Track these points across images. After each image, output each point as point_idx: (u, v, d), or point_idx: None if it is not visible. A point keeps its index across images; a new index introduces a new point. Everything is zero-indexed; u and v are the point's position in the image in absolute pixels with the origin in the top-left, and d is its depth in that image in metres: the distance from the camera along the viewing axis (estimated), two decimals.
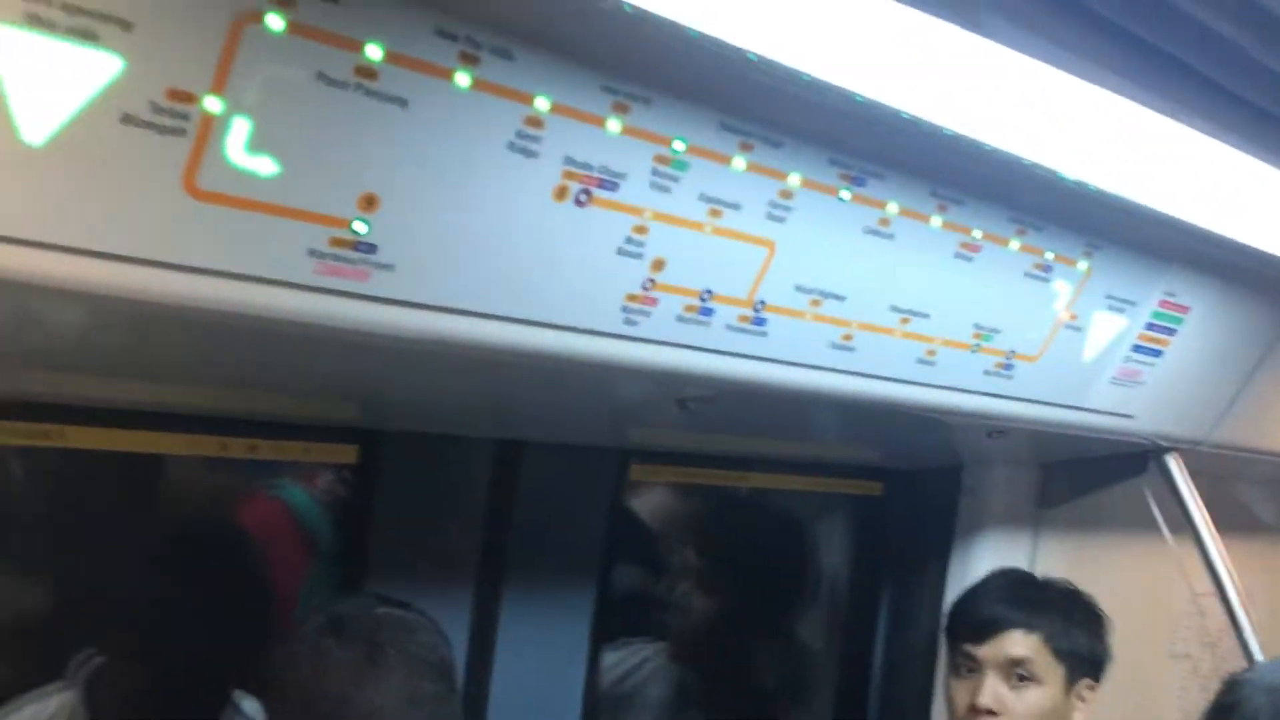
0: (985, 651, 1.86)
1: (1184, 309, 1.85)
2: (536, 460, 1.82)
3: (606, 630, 1.97)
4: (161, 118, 0.93)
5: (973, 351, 1.62)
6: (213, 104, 0.95)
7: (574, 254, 1.20)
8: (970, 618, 1.92)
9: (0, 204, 0.89)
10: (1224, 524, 2.24)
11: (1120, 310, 1.75)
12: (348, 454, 1.66)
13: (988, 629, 1.88)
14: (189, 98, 0.94)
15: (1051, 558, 2.28)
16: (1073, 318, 1.70)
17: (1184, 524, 2.18)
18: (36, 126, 0.89)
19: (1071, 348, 1.73)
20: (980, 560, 2.21)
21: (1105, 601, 1.97)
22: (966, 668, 1.89)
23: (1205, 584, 2.26)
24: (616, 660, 2.15)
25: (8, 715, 1.60)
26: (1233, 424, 2.16)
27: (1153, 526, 2.29)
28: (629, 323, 1.28)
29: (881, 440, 2.16)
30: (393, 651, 1.34)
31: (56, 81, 0.88)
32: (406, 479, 1.70)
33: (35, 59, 0.87)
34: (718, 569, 2.23)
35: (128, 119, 0.92)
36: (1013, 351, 1.67)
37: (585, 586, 1.91)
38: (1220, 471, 2.53)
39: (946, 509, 2.29)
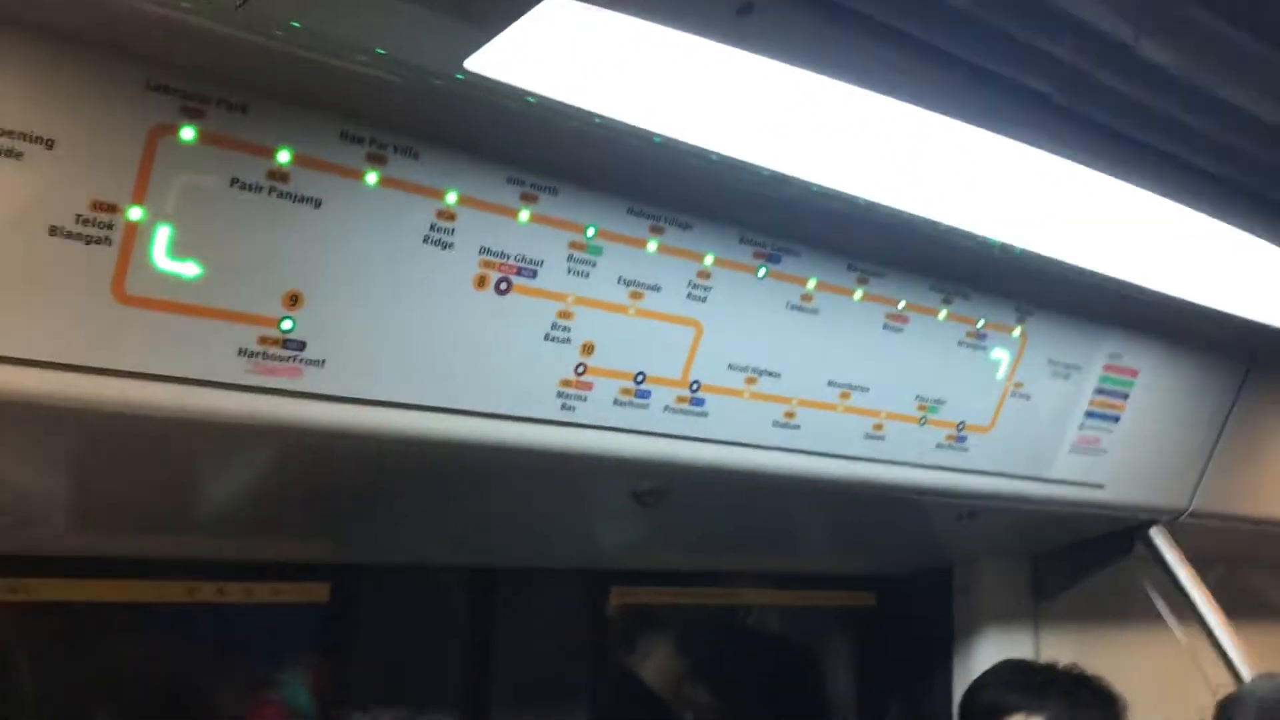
0: None
1: (1132, 372, 1.88)
2: (513, 586, 1.83)
3: None
4: (87, 228, 1.00)
5: (920, 425, 1.65)
6: (135, 213, 1.02)
7: (502, 342, 1.25)
8: (975, 709, 1.89)
9: None
10: (1239, 612, 2.21)
11: (1065, 376, 1.79)
12: (319, 592, 1.66)
13: (991, 718, 1.84)
14: (112, 208, 1.01)
15: (1056, 650, 2.23)
16: (1018, 386, 1.73)
17: (1186, 608, 2.16)
18: None
19: (1023, 416, 1.76)
20: (983, 658, 2.17)
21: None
22: None
23: (1223, 674, 2.22)
24: None
25: None
26: (1211, 491, 2.16)
27: (1161, 614, 2.27)
28: (566, 408, 1.32)
29: (865, 545, 2.15)
30: None
31: None
32: (381, 613, 1.71)
33: None
34: (714, 695, 2.18)
35: (55, 230, 0.99)
36: (963, 422, 1.70)
37: (576, 712, 1.89)
38: (1226, 553, 2.51)
39: (942, 612, 2.28)
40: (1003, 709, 1.84)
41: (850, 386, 1.55)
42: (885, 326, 1.55)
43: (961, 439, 1.70)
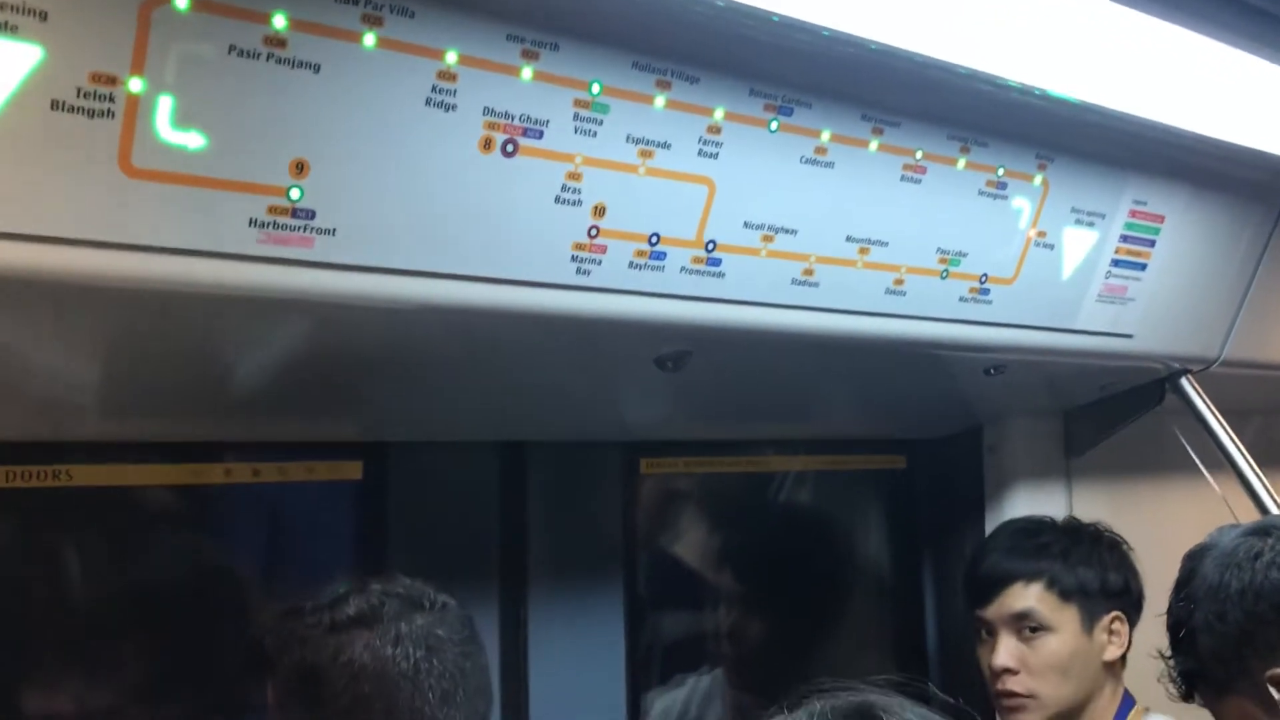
0: (992, 612, 1.86)
1: (1158, 218, 1.85)
2: (543, 460, 1.85)
3: (638, 629, 1.98)
4: (89, 101, 1.00)
5: (942, 278, 1.64)
6: (135, 84, 1.02)
7: (512, 206, 1.25)
8: (974, 580, 1.91)
9: None
10: (1273, 461, 2.20)
11: (1089, 224, 1.76)
12: (352, 470, 1.70)
13: (989, 589, 1.87)
14: (112, 80, 1.01)
15: (1089, 507, 2.24)
16: (1041, 235, 1.71)
17: (1219, 455, 2.15)
18: None
19: (1047, 267, 1.74)
20: (1014, 516, 2.19)
21: (1155, 546, 1.93)
22: (985, 631, 1.88)
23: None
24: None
25: None
26: (1243, 339, 2.14)
27: (1194, 466, 2.26)
28: (580, 272, 1.32)
29: (894, 407, 2.16)
30: (451, 653, 1.33)
31: None
32: (413, 491, 1.74)
33: None
34: (748, 563, 2.22)
35: (57, 105, 0.99)
36: (986, 275, 1.68)
37: (611, 585, 1.92)
38: (1259, 403, 2.50)
39: (974, 472, 2.28)
40: (1003, 578, 1.86)
41: (869, 241, 1.54)
42: (903, 178, 1.53)
43: (984, 292, 1.69)
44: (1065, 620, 1.82)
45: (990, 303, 1.70)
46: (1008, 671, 1.81)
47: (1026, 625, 1.82)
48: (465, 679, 1.34)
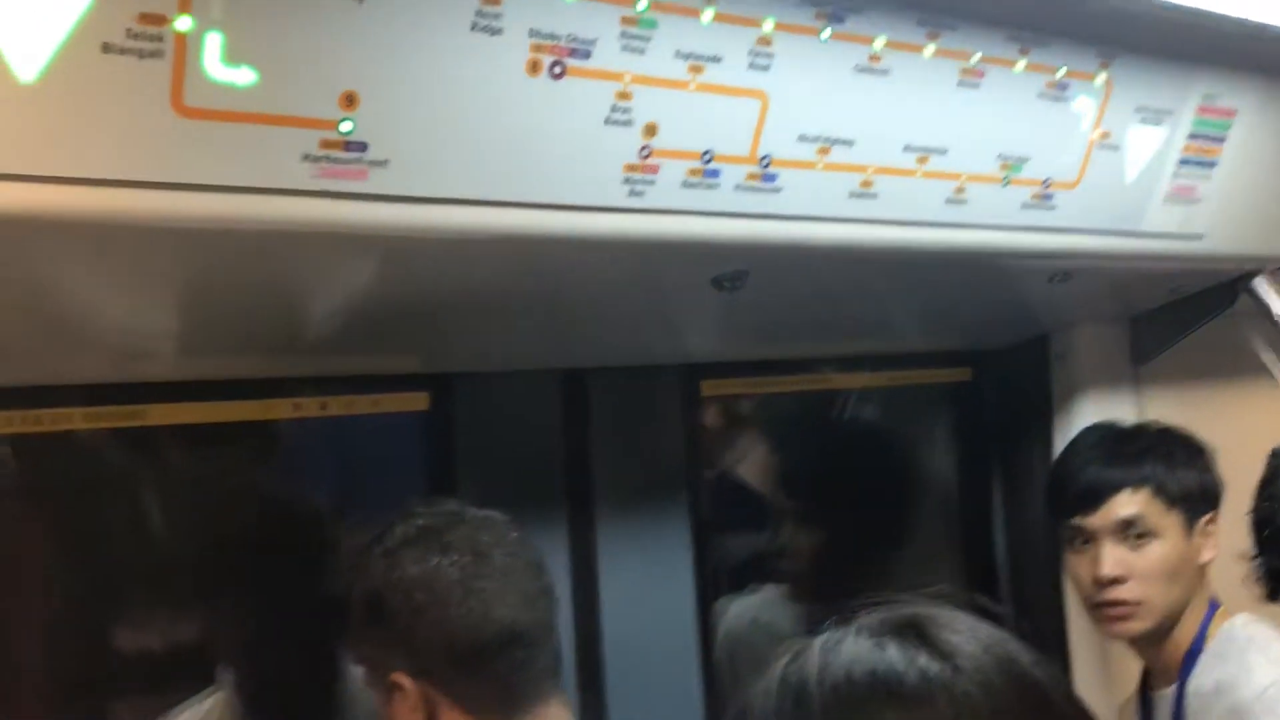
0: (1095, 520, 1.81)
1: (1229, 113, 1.79)
2: (604, 386, 1.86)
3: (707, 550, 1.99)
4: (139, 42, 1.01)
5: (1004, 185, 1.60)
6: (183, 22, 1.02)
7: (562, 129, 1.24)
8: (1071, 489, 1.85)
9: (1, 141, 0.97)
10: None
11: (1156, 122, 1.71)
12: (419, 401, 1.72)
13: (1092, 497, 1.82)
14: (160, 19, 1.01)
15: (1159, 413, 2.20)
16: (1105, 136, 1.67)
17: None
18: (26, 64, 0.97)
19: (1112, 169, 1.70)
20: (1083, 426, 2.16)
21: (1228, 451, 1.90)
22: (1081, 540, 1.83)
23: None
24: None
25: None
26: None
27: (1267, 369, 2.21)
28: (634, 194, 1.31)
29: (957, 319, 2.13)
30: (499, 556, 1.36)
31: (36, 19, 0.96)
32: (479, 420, 1.76)
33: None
34: (814, 481, 2.22)
35: (108, 47, 1.00)
36: (1048, 180, 1.64)
37: (676, 506, 1.93)
38: None
39: (1041, 381, 2.25)
40: (1107, 485, 1.81)
41: (927, 150, 1.51)
42: (960, 84, 1.49)
43: (1048, 197, 1.65)
44: (1170, 525, 1.79)
45: (1054, 208, 1.67)
46: (1116, 581, 1.78)
47: (1133, 532, 1.79)
48: (516, 578, 1.36)
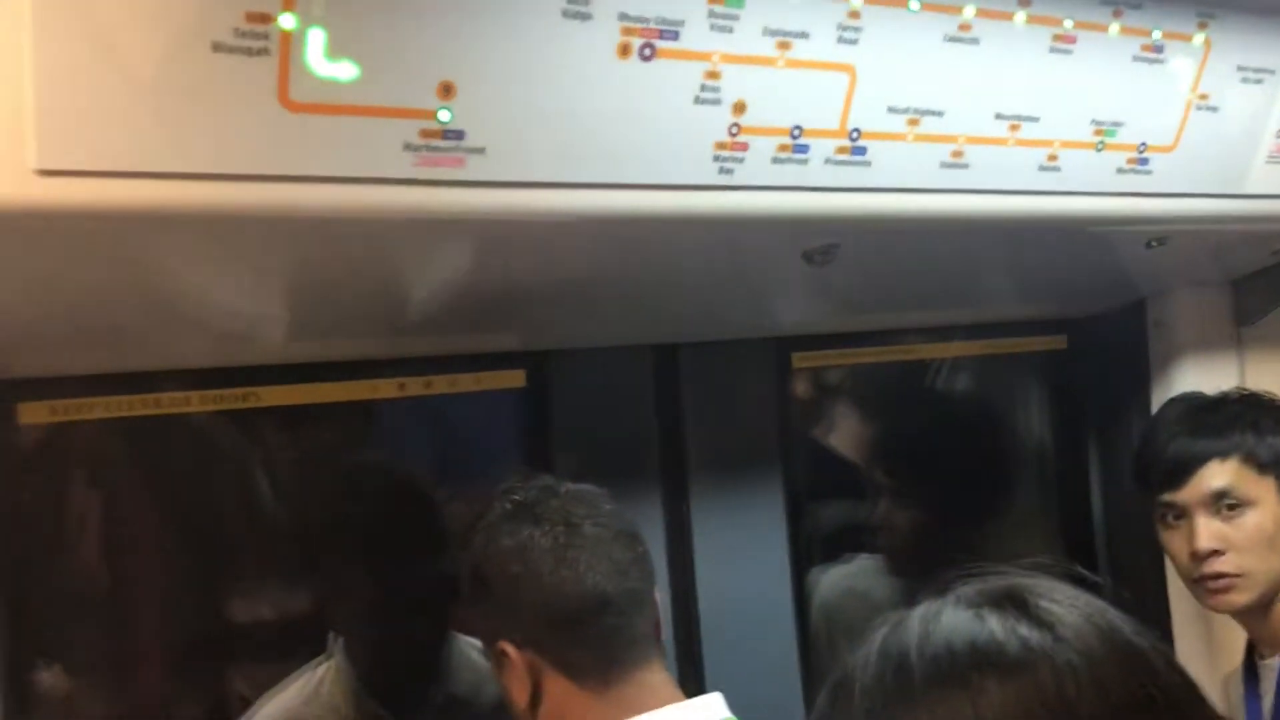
0: (1186, 494, 1.78)
1: None
2: (696, 360, 1.88)
3: (800, 521, 2.01)
4: (246, 40, 1.05)
5: (1098, 150, 1.58)
6: (287, 20, 1.06)
7: (652, 110, 1.26)
8: (1158, 463, 1.82)
9: (120, 141, 1.02)
10: None
11: (1257, 81, 1.67)
12: (515, 379, 1.76)
13: (1180, 471, 1.79)
14: (265, 18, 1.05)
15: (1263, 377, 2.15)
16: (1203, 98, 1.63)
17: None
18: (142, 66, 1.02)
19: (1211, 131, 1.66)
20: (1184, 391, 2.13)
21: None
22: (1173, 515, 1.81)
23: None
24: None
25: (286, 686, 1.78)
26: None
27: None
28: (724, 171, 1.33)
29: (1052, 286, 2.11)
30: (590, 526, 1.40)
31: (150, 22, 1.01)
32: (574, 395, 1.79)
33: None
34: (907, 452, 2.22)
35: (218, 46, 1.04)
36: (1144, 144, 1.62)
37: (769, 478, 1.95)
38: None
39: (1138, 348, 2.22)
40: (1195, 458, 1.78)
41: (1019, 118, 1.49)
42: (1052, 49, 1.47)
43: (1143, 161, 1.62)
44: (1264, 492, 1.77)
45: (1150, 173, 1.64)
46: (1214, 553, 1.75)
47: (1225, 503, 1.76)
48: (607, 548, 1.40)
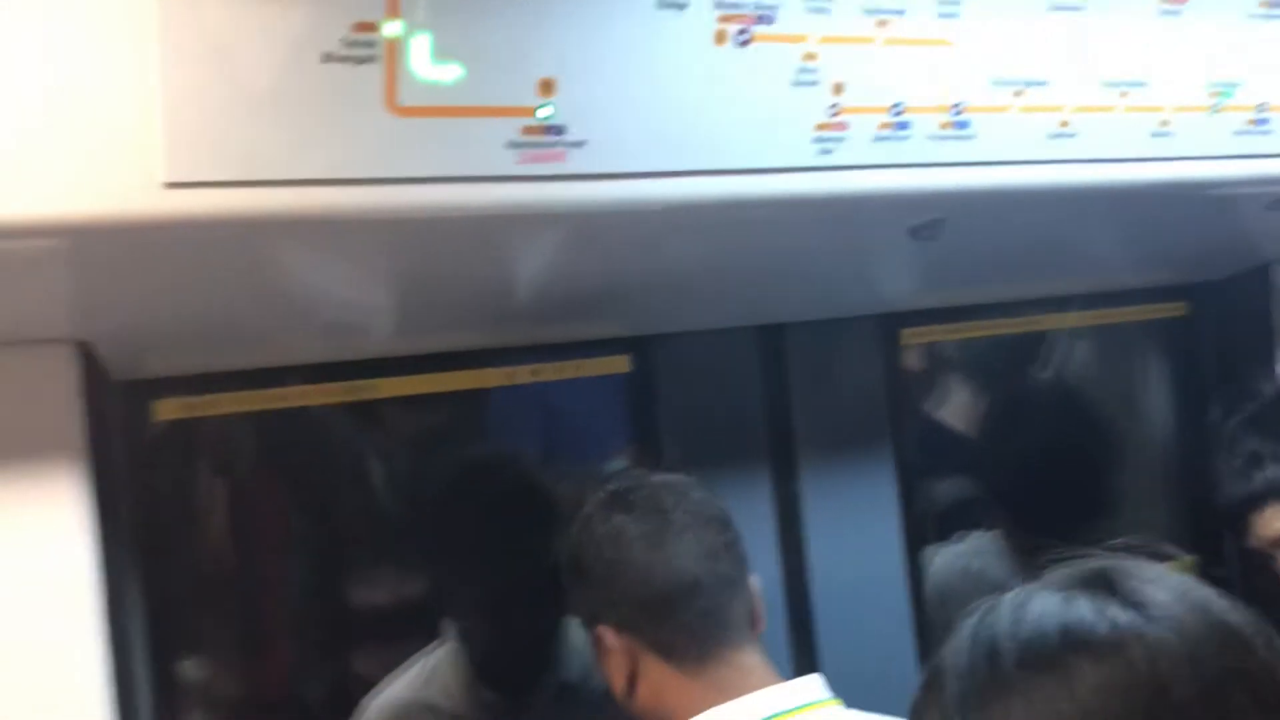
0: (1255, 541, 1.75)
1: None
2: (802, 339, 1.88)
3: (913, 498, 1.99)
4: (354, 49, 1.09)
5: (1212, 113, 1.53)
6: (392, 28, 1.10)
7: (751, 95, 1.26)
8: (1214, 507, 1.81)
9: (239, 152, 1.06)
10: None
11: None
12: (620, 364, 1.79)
13: (1236, 518, 1.77)
14: (371, 27, 1.09)
15: None
16: None
17: None
18: (257, 79, 1.06)
19: None
20: None
21: None
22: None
23: None
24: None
25: (405, 671, 1.84)
26: None
27: None
28: (824, 152, 1.32)
29: (1169, 253, 2.05)
30: (680, 514, 1.45)
31: (263, 35, 1.05)
32: (679, 379, 1.81)
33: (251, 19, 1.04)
34: (1022, 425, 2.18)
35: (328, 57, 1.08)
36: (1263, 104, 1.56)
37: (880, 455, 1.94)
38: None
39: (1262, 313, 2.14)
40: (1244, 504, 1.74)
41: (1128, 84, 1.45)
42: (1161, 11, 1.43)
43: (1262, 121, 1.57)
44: None
45: (1269, 133, 1.58)
46: None
47: None
48: (696, 533, 1.45)
